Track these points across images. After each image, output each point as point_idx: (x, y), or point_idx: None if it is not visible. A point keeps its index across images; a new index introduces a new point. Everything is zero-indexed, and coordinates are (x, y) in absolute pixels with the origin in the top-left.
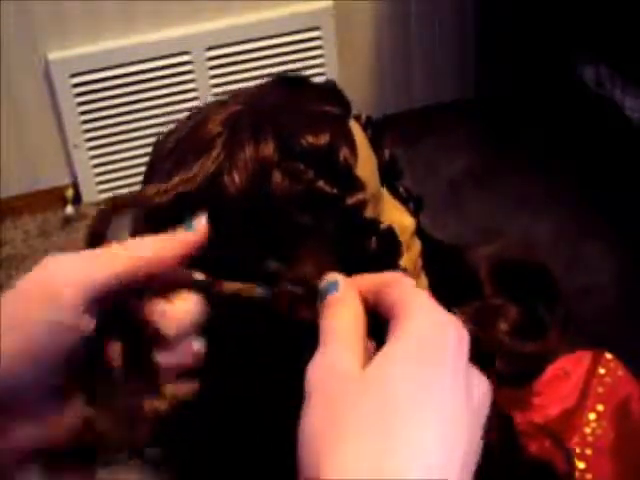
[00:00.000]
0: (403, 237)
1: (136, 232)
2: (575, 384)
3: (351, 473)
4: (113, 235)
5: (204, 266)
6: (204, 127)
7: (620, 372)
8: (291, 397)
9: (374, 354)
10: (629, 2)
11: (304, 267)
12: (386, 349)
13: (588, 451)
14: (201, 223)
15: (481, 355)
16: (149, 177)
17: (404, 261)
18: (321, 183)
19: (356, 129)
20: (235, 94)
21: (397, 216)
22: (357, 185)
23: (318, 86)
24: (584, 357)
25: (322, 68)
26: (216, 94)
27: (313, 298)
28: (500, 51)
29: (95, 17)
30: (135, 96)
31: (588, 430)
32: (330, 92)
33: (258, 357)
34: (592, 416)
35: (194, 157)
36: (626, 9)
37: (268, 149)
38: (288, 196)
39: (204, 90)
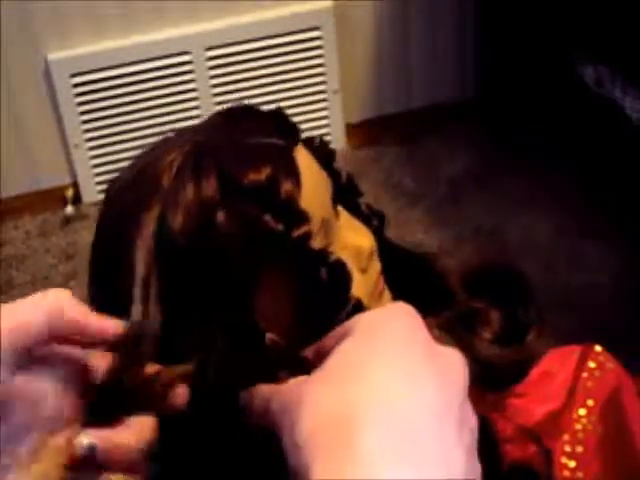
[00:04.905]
0: (360, 259)
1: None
2: (562, 383)
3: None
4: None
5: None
6: (148, 171)
7: (610, 365)
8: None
9: None
10: (629, 2)
11: (262, 303)
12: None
13: (579, 449)
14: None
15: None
16: (101, 226)
17: (358, 287)
18: (266, 218)
19: (302, 156)
20: (181, 131)
21: (352, 238)
22: (302, 217)
23: (263, 117)
24: (573, 352)
25: (322, 68)
26: (216, 94)
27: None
28: (500, 51)
29: (95, 17)
30: (135, 96)
31: (579, 427)
32: (275, 121)
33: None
34: (582, 412)
35: (139, 204)
36: (626, 9)
37: (210, 189)
38: (234, 235)
39: (204, 90)
